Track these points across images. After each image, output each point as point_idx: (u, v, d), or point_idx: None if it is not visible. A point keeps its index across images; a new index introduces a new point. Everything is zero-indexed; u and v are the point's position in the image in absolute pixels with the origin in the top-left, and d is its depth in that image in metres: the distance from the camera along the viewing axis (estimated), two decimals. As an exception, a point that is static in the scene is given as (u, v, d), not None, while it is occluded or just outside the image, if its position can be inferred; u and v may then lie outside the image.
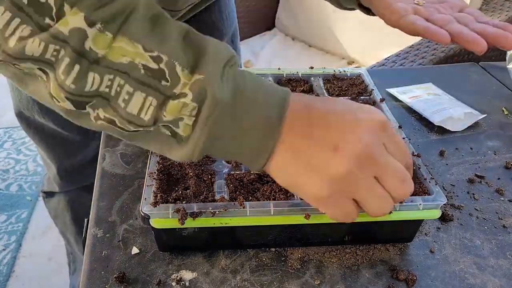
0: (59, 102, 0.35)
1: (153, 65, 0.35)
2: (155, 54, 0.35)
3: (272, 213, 0.50)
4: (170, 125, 0.37)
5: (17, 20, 0.32)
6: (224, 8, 0.89)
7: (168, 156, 0.41)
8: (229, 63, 0.38)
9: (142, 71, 0.35)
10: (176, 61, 0.35)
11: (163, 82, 0.35)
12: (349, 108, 0.41)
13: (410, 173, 0.42)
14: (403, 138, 0.61)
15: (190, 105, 0.36)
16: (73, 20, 0.32)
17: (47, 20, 0.32)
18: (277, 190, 0.52)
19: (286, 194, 0.52)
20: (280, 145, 0.39)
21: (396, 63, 1.19)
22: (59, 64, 0.33)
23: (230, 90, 0.37)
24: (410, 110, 0.83)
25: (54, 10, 0.32)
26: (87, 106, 0.36)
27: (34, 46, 0.32)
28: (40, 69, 0.34)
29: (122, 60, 0.34)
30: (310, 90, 0.74)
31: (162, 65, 0.35)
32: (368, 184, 0.39)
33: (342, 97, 0.71)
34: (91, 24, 0.33)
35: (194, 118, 0.36)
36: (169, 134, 0.38)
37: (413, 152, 0.59)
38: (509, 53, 0.89)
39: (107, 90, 0.35)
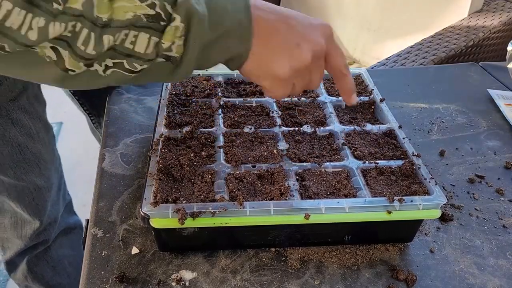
0: (74, 72, 0.41)
1: (152, 12, 0.41)
2: (149, 1, 0.41)
3: (272, 213, 0.50)
4: (165, 53, 0.43)
5: (29, 15, 0.36)
6: None
7: (170, 81, 0.52)
8: None
9: (144, 20, 0.41)
10: (164, 1, 0.42)
11: (162, 23, 0.42)
12: (303, 15, 0.52)
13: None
14: (403, 138, 0.61)
15: (180, 26, 0.42)
16: None
17: (55, 6, 0.36)
18: (276, 190, 0.52)
19: (286, 195, 0.52)
20: (254, 41, 0.48)
21: (397, 63, 1.19)
22: (77, 37, 0.39)
23: (205, 5, 0.44)
24: (411, 110, 0.83)
25: None
26: (94, 63, 0.41)
27: (56, 28, 0.37)
28: (53, 47, 0.39)
29: (127, 16, 0.40)
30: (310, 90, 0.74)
31: (157, 9, 0.41)
32: (320, 72, 0.53)
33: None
34: None
35: (184, 38, 0.43)
36: (164, 60, 0.44)
37: (413, 152, 0.59)
38: (509, 52, 0.89)
39: (117, 42, 0.41)
